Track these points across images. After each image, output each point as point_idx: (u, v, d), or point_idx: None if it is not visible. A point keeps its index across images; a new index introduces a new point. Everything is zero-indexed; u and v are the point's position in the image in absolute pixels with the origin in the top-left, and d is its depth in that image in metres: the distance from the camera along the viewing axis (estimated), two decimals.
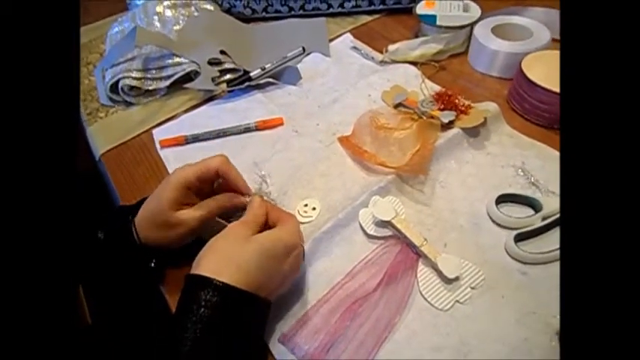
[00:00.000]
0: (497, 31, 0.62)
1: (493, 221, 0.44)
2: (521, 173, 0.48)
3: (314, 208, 0.46)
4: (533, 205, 0.45)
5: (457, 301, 0.39)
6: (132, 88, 0.63)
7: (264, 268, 0.34)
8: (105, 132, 0.60)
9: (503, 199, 0.45)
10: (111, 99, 0.64)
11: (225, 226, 0.37)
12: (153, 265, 0.41)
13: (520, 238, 0.42)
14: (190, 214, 0.40)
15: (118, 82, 0.62)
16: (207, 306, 0.31)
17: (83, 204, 0.41)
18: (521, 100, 0.55)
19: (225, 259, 0.33)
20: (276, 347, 0.37)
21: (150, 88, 0.63)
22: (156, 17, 0.70)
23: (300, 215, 0.46)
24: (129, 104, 0.64)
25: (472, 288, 0.39)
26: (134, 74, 0.62)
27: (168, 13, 0.71)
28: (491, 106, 0.54)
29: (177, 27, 0.69)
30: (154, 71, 0.63)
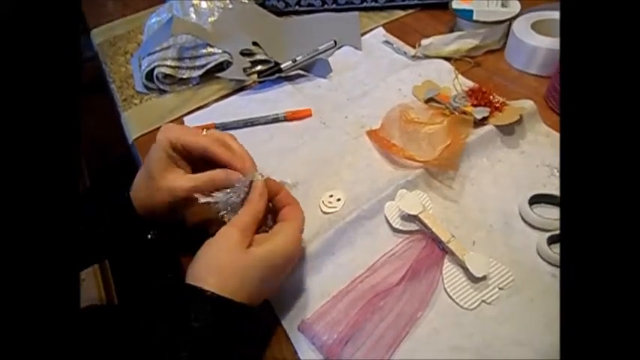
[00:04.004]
0: (537, 27, 0.59)
1: (525, 222, 0.42)
2: (557, 173, 0.46)
3: (339, 199, 0.46)
4: None
5: (483, 300, 0.37)
6: (166, 76, 0.64)
7: (265, 281, 0.34)
8: (138, 118, 0.62)
9: (536, 200, 0.43)
10: (146, 86, 0.66)
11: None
12: (150, 236, 0.41)
13: (553, 240, 0.40)
14: (178, 182, 0.38)
15: (153, 70, 0.63)
16: (202, 319, 0.30)
17: (117, 185, 0.42)
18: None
19: (225, 272, 0.32)
20: (295, 335, 0.37)
21: (183, 76, 0.64)
22: (192, 9, 0.72)
23: (325, 205, 0.45)
24: (162, 92, 0.65)
25: (500, 289, 0.38)
26: (169, 62, 0.63)
27: (204, 5, 0.73)
28: (528, 104, 0.52)
29: (212, 18, 0.71)
30: (187, 60, 0.64)
